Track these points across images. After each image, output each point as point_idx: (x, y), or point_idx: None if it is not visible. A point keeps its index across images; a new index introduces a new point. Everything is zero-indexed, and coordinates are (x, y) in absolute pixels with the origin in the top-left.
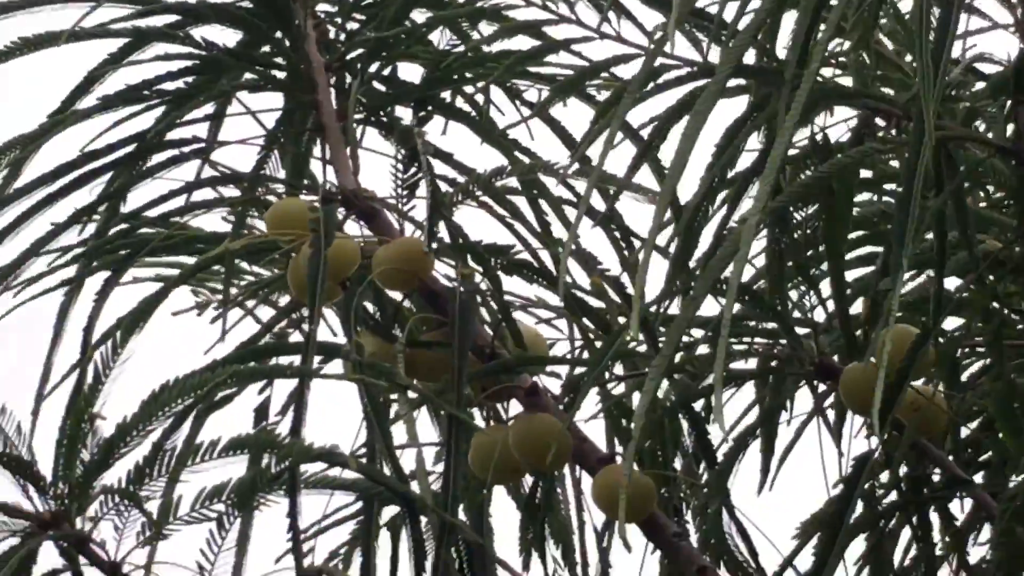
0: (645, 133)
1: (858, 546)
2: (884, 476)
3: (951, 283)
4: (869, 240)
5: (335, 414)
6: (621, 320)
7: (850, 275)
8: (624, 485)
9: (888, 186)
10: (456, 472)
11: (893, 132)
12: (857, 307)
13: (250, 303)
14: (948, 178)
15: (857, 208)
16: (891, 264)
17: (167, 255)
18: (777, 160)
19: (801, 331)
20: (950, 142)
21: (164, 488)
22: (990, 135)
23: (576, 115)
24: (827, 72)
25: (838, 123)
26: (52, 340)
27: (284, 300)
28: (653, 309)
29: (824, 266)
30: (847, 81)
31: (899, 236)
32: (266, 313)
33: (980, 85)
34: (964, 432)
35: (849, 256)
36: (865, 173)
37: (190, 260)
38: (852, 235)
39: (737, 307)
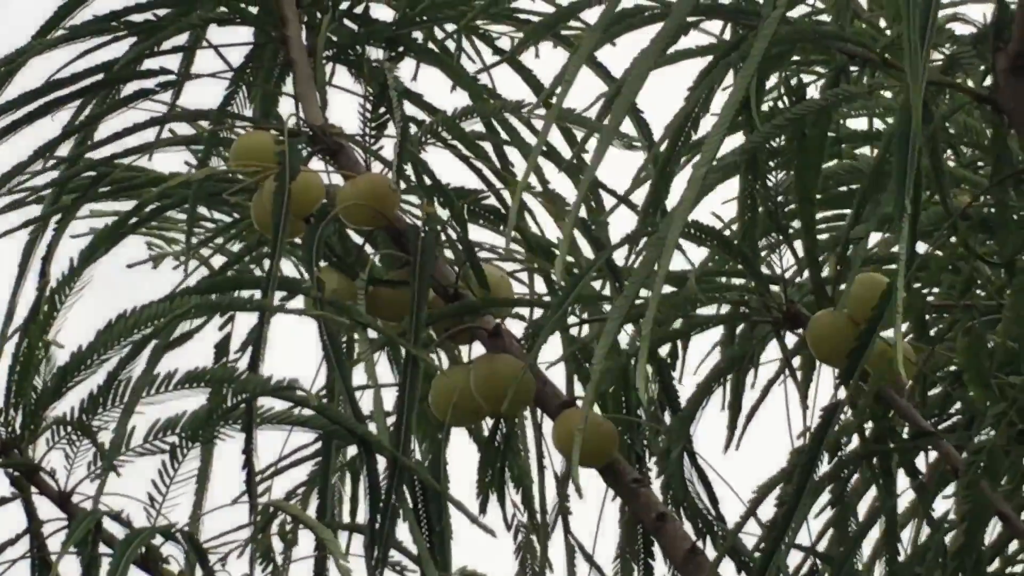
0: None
1: (821, 498)
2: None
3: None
4: (838, 200)
5: (297, 354)
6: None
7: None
8: (580, 428)
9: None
10: (409, 412)
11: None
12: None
13: (207, 251)
14: (924, 126)
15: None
16: (896, 208)
17: (129, 195)
18: (742, 85)
19: (773, 287)
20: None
21: (119, 419)
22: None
23: (554, 66)
24: None
25: (811, 83)
26: (16, 278)
27: None
28: (622, 255)
29: (796, 222)
30: None
31: (900, 176)
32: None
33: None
34: (933, 391)
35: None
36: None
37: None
38: (820, 194)
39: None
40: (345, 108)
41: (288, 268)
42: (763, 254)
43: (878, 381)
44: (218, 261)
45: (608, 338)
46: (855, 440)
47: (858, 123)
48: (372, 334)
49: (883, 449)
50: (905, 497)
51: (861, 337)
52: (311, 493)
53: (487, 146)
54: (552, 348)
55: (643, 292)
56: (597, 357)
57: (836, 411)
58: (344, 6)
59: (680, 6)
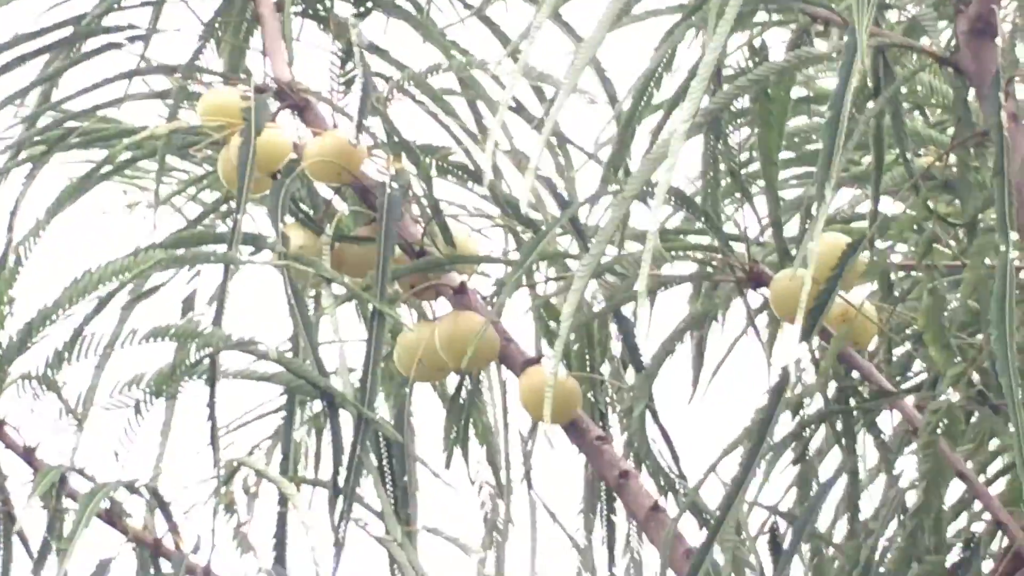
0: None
1: (787, 459)
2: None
3: (886, 201)
4: (804, 159)
5: (263, 311)
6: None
7: (785, 195)
8: (550, 383)
9: (822, 107)
10: (374, 366)
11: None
12: (792, 228)
13: (181, 200)
14: (885, 87)
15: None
16: (819, 169)
17: (98, 146)
18: (713, 56)
19: (736, 247)
20: (888, 50)
21: (93, 374)
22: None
23: (526, 21)
24: None
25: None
26: None
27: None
28: (585, 213)
29: (759, 182)
30: None
31: (832, 129)
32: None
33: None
34: (896, 352)
35: (784, 174)
36: (799, 92)
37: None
38: (787, 155)
39: (675, 218)
40: (316, 64)
41: (255, 226)
42: (727, 210)
43: (839, 343)
44: (192, 211)
45: (575, 295)
46: (819, 399)
47: (829, 81)
48: (338, 289)
49: (844, 409)
50: (871, 456)
51: (819, 296)
52: (275, 448)
53: (459, 102)
54: (519, 307)
55: (610, 249)
56: (565, 314)
57: (792, 371)
58: None
59: None
